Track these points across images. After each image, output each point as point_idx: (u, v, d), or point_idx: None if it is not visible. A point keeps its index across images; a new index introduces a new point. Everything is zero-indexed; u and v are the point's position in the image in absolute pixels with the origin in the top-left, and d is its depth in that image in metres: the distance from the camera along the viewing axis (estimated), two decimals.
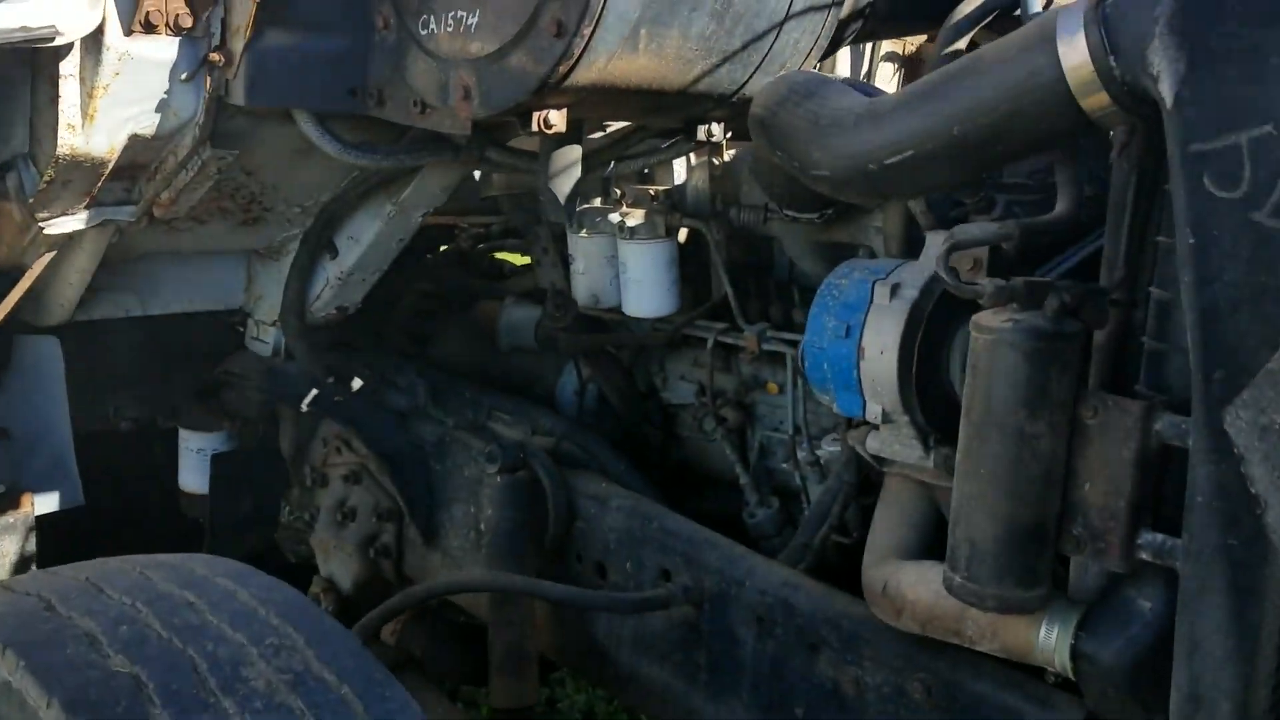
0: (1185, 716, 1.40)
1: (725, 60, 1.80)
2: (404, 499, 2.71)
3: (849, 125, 1.57)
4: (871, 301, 1.84)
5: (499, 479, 2.43)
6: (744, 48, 1.80)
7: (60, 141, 1.79)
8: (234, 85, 1.83)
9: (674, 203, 2.40)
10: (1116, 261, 1.52)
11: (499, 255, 3.34)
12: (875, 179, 1.56)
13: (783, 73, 1.82)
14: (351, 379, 2.75)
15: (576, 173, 1.90)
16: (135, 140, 1.89)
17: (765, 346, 2.32)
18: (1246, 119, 1.25)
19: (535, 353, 2.91)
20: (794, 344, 2.30)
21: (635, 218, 2.36)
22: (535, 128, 1.73)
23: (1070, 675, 1.57)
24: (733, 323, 2.40)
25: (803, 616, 2.08)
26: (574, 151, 1.85)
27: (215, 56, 1.81)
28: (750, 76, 1.86)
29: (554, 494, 2.44)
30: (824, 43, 1.93)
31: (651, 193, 2.39)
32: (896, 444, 1.91)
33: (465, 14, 1.69)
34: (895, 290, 1.82)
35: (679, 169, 2.39)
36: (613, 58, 1.65)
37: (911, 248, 2.06)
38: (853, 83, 1.73)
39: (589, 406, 2.79)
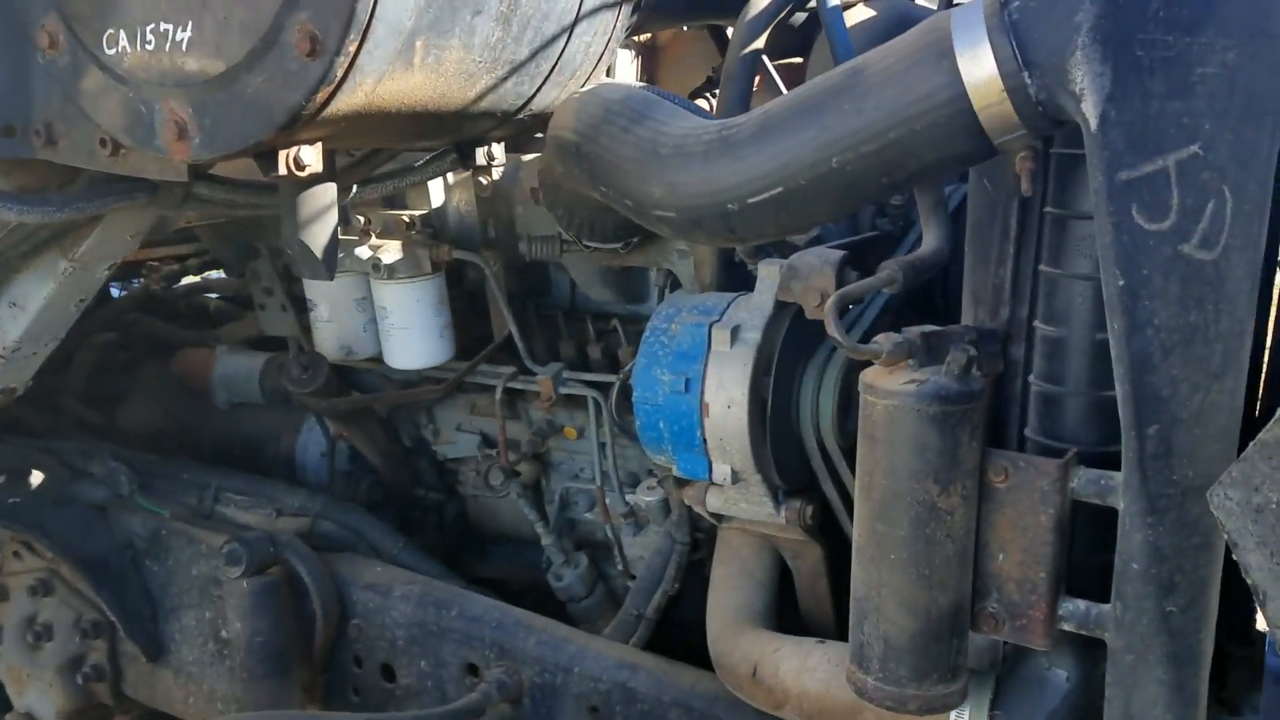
0: None
1: (513, 72, 1.46)
2: (114, 610, 2.20)
3: (698, 156, 1.29)
4: (710, 349, 1.58)
5: (244, 584, 1.99)
6: (532, 56, 1.47)
7: None
8: None
9: (435, 231, 2.03)
10: (1001, 296, 1.34)
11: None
12: (734, 220, 1.29)
13: (588, 85, 1.50)
14: (29, 473, 2.19)
15: (333, 218, 1.50)
16: None
17: (562, 390, 2.02)
18: (1173, 140, 1.09)
19: (262, 407, 2.45)
20: (595, 385, 2.02)
21: (391, 252, 1.98)
22: (283, 170, 1.32)
23: None
24: (520, 365, 2.07)
25: (646, 701, 1.83)
26: (328, 192, 1.46)
27: None
28: (539, 88, 1.54)
29: (319, 591, 2.04)
30: (615, 44, 1.64)
31: (406, 220, 2.01)
32: (743, 502, 1.67)
33: (172, 27, 1.25)
34: (735, 334, 1.57)
35: (435, 191, 2.02)
36: (383, 78, 1.27)
37: (727, 273, 1.82)
38: (681, 100, 1.45)
39: (342, 470, 2.38)
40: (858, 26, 1.92)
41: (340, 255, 1.99)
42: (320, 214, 1.48)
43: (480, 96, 1.47)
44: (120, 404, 2.62)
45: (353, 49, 1.20)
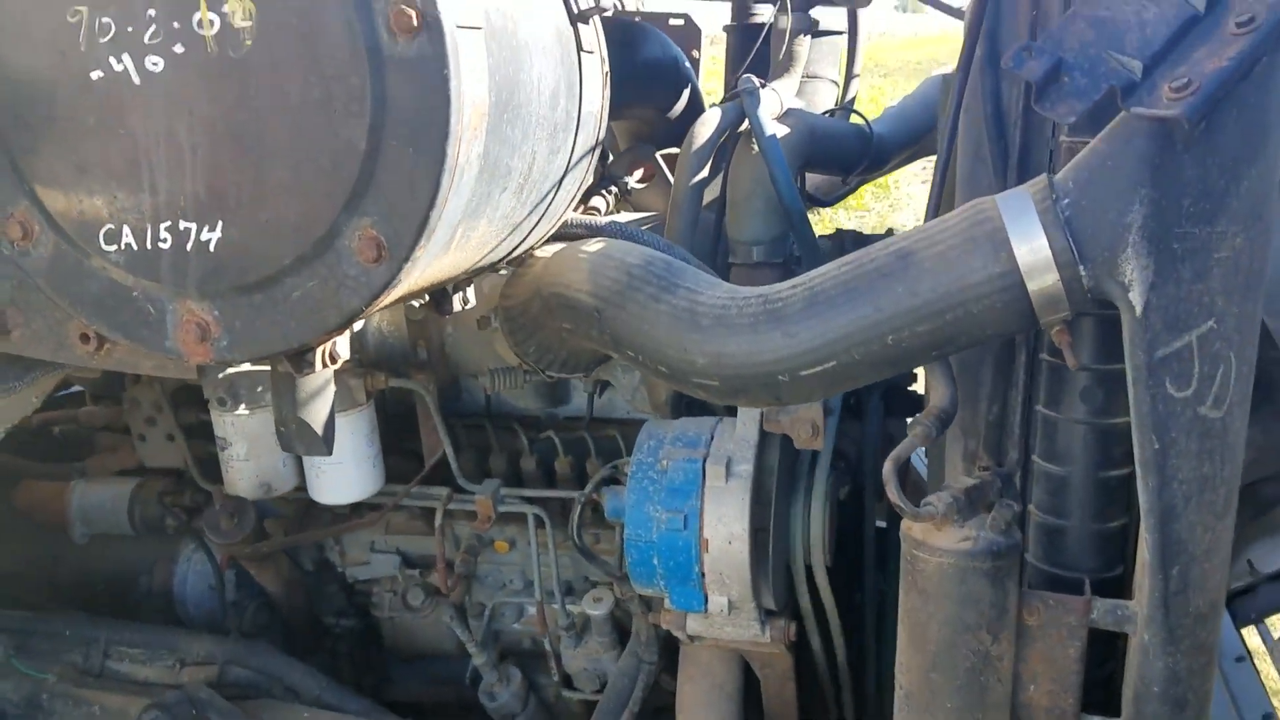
0: None
1: (514, 230, 1.41)
2: None
3: (744, 328, 1.31)
4: (705, 484, 1.60)
5: None
6: (530, 213, 1.43)
7: None
8: None
9: (360, 358, 1.93)
10: (1002, 436, 1.45)
11: None
12: (782, 389, 1.32)
13: (592, 250, 1.47)
14: None
15: (330, 392, 1.40)
16: None
17: (503, 508, 1.97)
18: (1196, 317, 1.22)
19: (129, 538, 2.23)
20: (533, 500, 1.99)
21: None
22: (319, 366, 1.22)
23: None
24: (452, 483, 2.00)
25: None
26: (323, 372, 1.35)
27: None
28: (526, 237, 1.50)
29: None
30: (586, 183, 1.61)
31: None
32: (729, 626, 1.71)
33: (195, 226, 1.12)
34: (729, 468, 1.60)
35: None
36: (428, 267, 1.21)
37: (679, 394, 1.85)
38: (699, 264, 1.45)
39: (234, 601, 2.20)
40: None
41: (259, 388, 1.86)
42: (320, 390, 1.38)
43: (487, 257, 1.42)
44: None
45: (419, 253, 1.13)
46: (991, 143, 1.40)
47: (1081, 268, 1.19)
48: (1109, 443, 1.40)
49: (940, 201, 1.44)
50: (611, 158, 2.51)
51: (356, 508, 2.04)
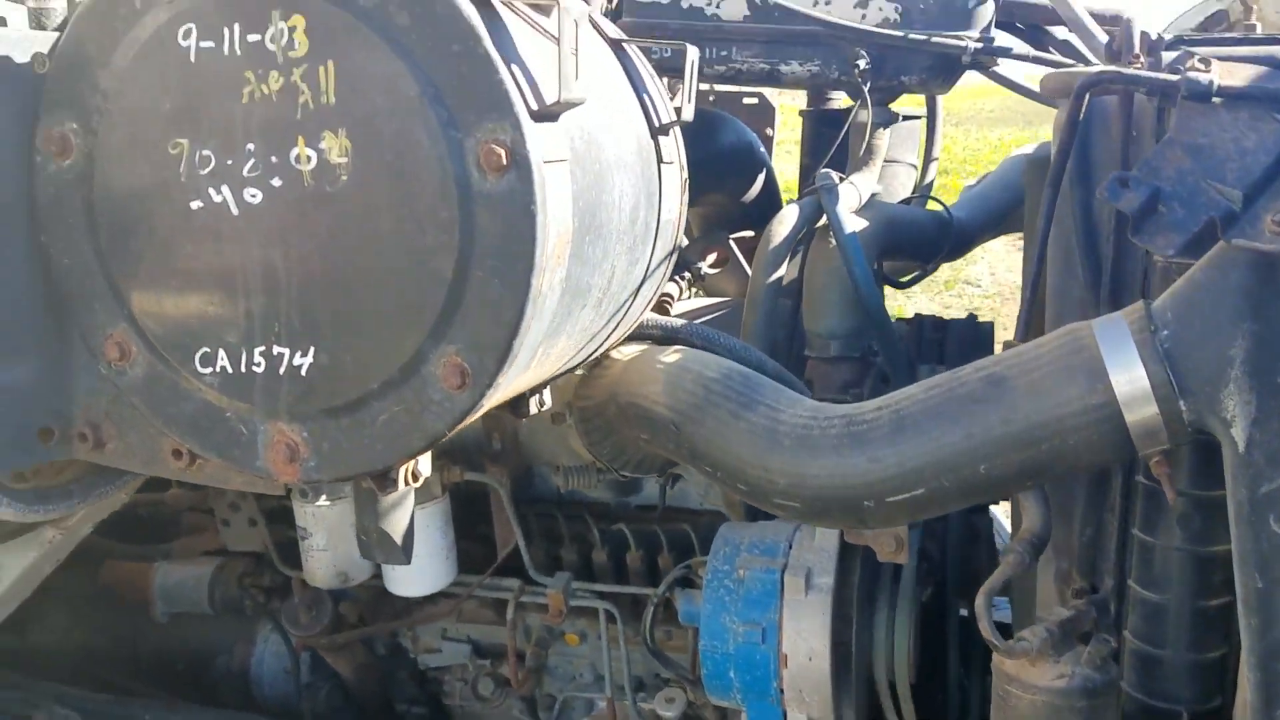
0: None
1: (591, 339, 1.42)
2: None
3: (827, 449, 1.29)
4: (783, 596, 1.57)
5: None
6: (608, 322, 1.43)
7: None
8: None
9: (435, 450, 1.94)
10: (1098, 559, 1.40)
11: None
12: (867, 514, 1.29)
13: (669, 361, 1.47)
14: None
15: (410, 503, 1.41)
16: None
17: (574, 602, 1.96)
18: None
19: (209, 618, 2.26)
20: (605, 595, 1.97)
21: None
22: (401, 485, 1.23)
23: None
24: (524, 576, 2.00)
25: None
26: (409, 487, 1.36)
27: None
28: (605, 341, 1.50)
29: None
30: (661, 288, 1.62)
31: None
32: None
33: (288, 351, 1.14)
34: (809, 580, 1.57)
35: None
36: (508, 387, 1.21)
37: None
38: (783, 374, 1.44)
39: (309, 684, 2.21)
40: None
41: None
42: (400, 502, 1.39)
43: (564, 368, 1.42)
44: (33, 621, 2.34)
45: (501, 379, 1.13)
46: (1083, 259, 1.38)
47: (1181, 401, 1.15)
48: (1208, 570, 1.35)
49: (1031, 317, 1.41)
50: (686, 242, 2.51)
51: (430, 596, 2.04)
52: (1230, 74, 1.20)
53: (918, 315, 2.46)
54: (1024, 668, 1.27)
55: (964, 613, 2.05)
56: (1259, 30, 1.67)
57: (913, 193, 2.57)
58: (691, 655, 1.87)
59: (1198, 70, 1.19)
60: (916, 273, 2.51)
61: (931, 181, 2.62)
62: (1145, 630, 1.38)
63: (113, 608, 2.32)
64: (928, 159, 2.61)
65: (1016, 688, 1.26)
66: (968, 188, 2.82)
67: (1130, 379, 1.16)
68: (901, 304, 6.41)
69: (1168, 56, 1.30)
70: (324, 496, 1.88)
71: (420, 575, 1.91)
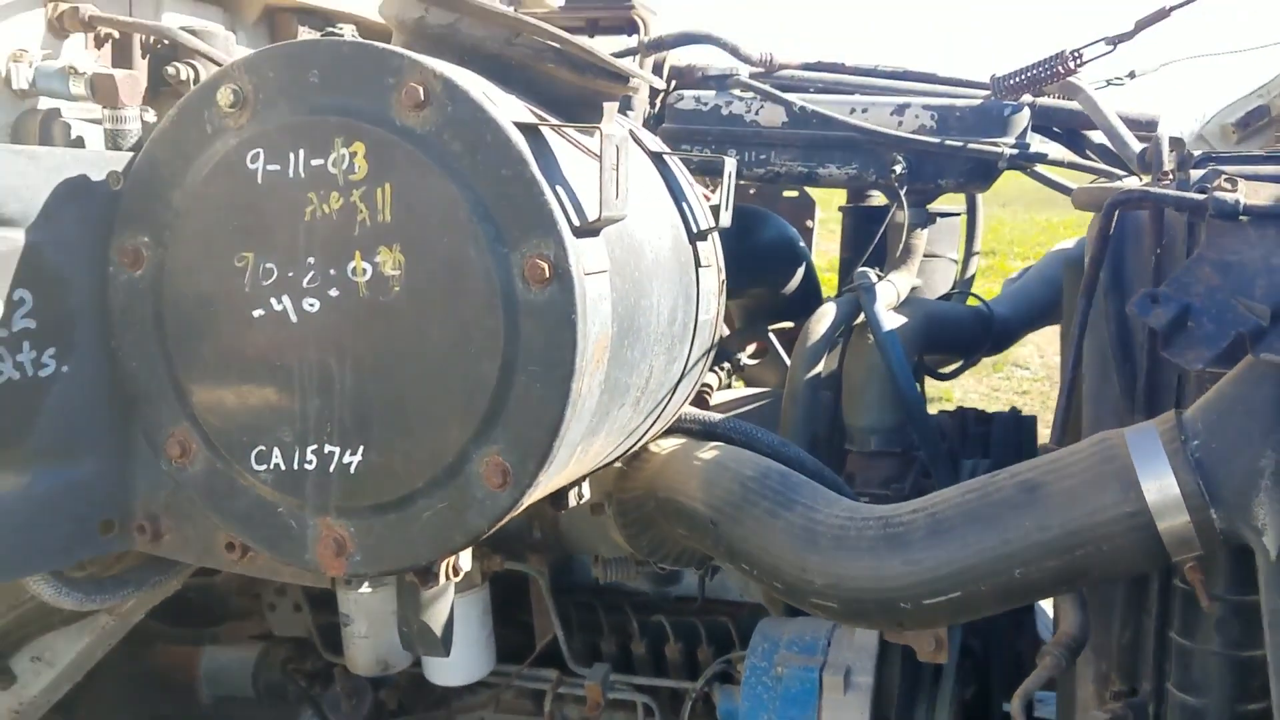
0: None
1: (629, 436, 1.46)
2: None
3: (863, 551, 1.31)
4: (822, 695, 1.58)
5: None
6: (646, 419, 1.47)
7: None
8: None
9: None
10: (1135, 662, 1.40)
11: None
12: (904, 616, 1.31)
13: (706, 458, 1.51)
14: None
15: (450, 596, 1.45)
16: None
17: (611, 695, 1.97)
18: None
19: (251, 701, 2.29)
20: (642, 689, 1.98)
21: None
22: (442, 580, 1.27)
23: None
24: (562, 666, 2.02)
25: None
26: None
27: None
28: (643, 437, 1.54)
29: None
30: (700, 383, 1.66)
31: None
32: None
33: (338, 450, 1.20)
34: (848, 679, 1.58)
35: None
36: (548, 484, 1.25)
37: None
38: (822, 471, 1.48)
39: None
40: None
41: None
42: (440, 594, 1.43)
43: (603, 464, 1.46)
44: (82, 703, 2.39)
45: (541, 477, 1.17)
46: (1118, 366, 1.40)
47: (1213, 510, 1.17)
48: (1247, 675, 1.34)
49: (1066, 421, 1.43)
50: (726, 332, 2.56)
51: (469, 686, 2.07)
52: (1256, 193, 1.24)
53: (960, 408, 2.48)
54: None
55: (1006, 708, 2.03)
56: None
57: (953, 287, 2.60)
58: None
59: (1224, 190, 1.22)
60: (958, 364, 2.54)
61: (972, 276, 2.66)
62: None
63: (159, 690, 2.36)
64: (968, 253, 2.65)
65: None
66: (1009, 281, 2.85)
67: (1161, 487, 1.18)
68: (949, 388, 6.39)
69: (1196, 174, 1.33)
70: (366, 584, 1.92)
71: (459, 665, 1.93)
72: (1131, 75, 2.11)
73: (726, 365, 2.39)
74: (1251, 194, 1.23)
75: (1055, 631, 1.37)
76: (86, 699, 2.39)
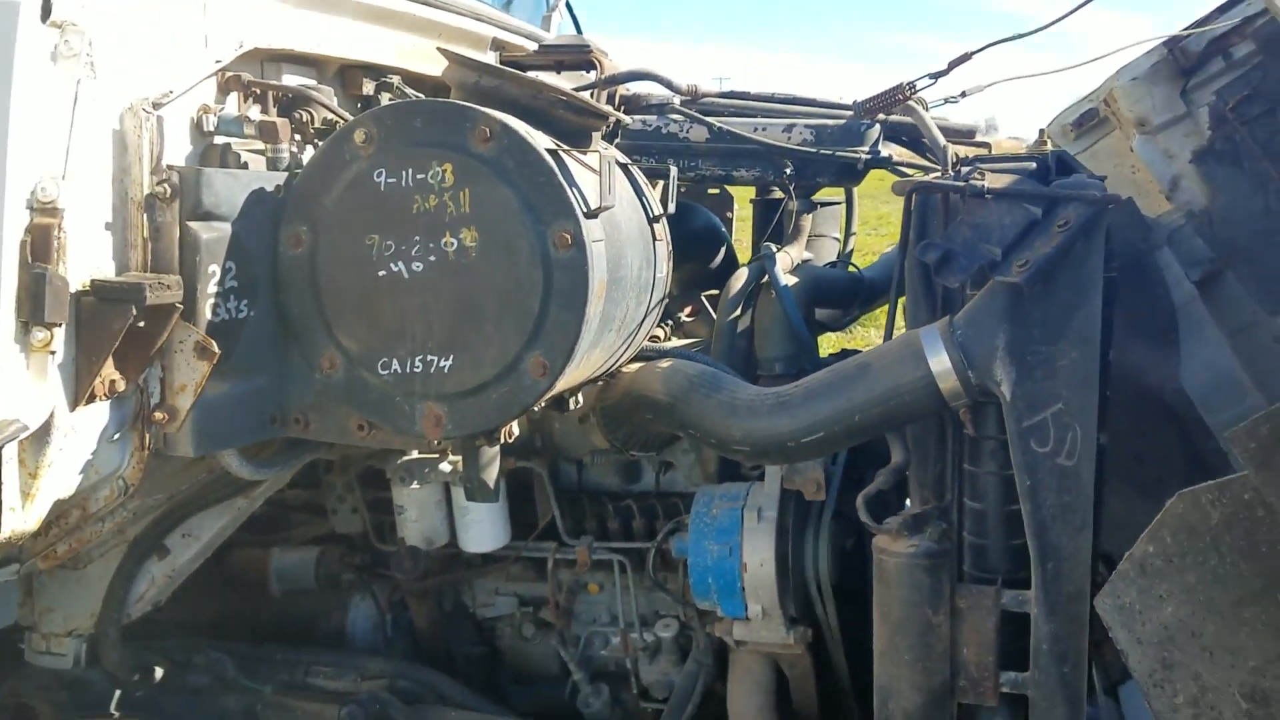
0: None
1: (613, 355, 2.19)
2: None
3: (765, 413, 2.07)
4: (743, 525, 2.34)
5: None
6: (623, 343, 2.21)
7: (3, 526, 1.68)
8: (177, 438, 1.85)
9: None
10: (943, 485, 2.17)
11: None
12: (791, 452, 2.07)
13: (665, 365, 2.26)
14: (151, 670, 2.63)
15: (498, 462, 2.17)
16: (56, 505, 1.81)
17: (595, 556, 2.70)
18: (1047, 401, 1.95)
19: (313, 592, 2.97)
20: (617, 550, 2.72)
21: None
22: (503, 439, 1.99)
23: None
24: (558, 539, 2.74)
25: None
26: (496, 445, 2.12)
27: (160, 415, 1.82)
28: (620, 357, 2.27)
29: None
30: (655, 325, 2.40)
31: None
32: (764, 631, 2.42)
33: (436, 358, 1.90)
34: (760, 514, 2.34)
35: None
36: (567, 378, 1.98)
37: (723, 466, 2.60)
38: (734, 375, 2.23)
39: (391, 636, 2.93)
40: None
41: (425, 471, 2.63)
42: (492, 460, 2.15)
43: (596, 373, 2.19)
44: (168, 602, 3.03)
45: (566, 370, 1.90)
46: (921, 292, 2.17)
47: (970, 372, 1.94)
48: (1011, 486, 2.10)
49: (891, 329, 2.20)
50: (669, 299, 3.31)
51: (486, 558, 2.78)
52: (997, 180, 2.02)
53: (844, 349, 3.26)
54: (890, 541, 2.03)
55: None
56: (1049, 145, 2.51)
57: (836, 259, 3.38)
58: (682, 587, 2.61)
59: (976, 179, 2.00)
60: (844, 319, 3.32)
61: (851, 250, 3.44)
62: (975, 528, 2.13)
63: (236, 588, 3.02)
64: (847, 233, 3.43)
65: (885, 555, 2.03)
66: (884, 254, 3.65)
67: (939, 361, 1.94)
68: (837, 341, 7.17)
69: (965, 170, 2.11)
70: (416, 481, 2.63)
71: (486, 535, 2.65)
72: (964, 94, 2.90)
73: (670, 323, 3.13)
74: (994, 181, 2.01)
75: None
76: (172, 599, 3.05)
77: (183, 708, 2.68)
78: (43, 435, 1.69)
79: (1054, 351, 1.95)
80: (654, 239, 2.23)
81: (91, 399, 1.74)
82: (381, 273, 1.92)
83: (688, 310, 3.20)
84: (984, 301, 1.95)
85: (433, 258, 1.89)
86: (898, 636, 2.03)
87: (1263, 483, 1.63)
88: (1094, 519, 2.00)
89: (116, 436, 1.82)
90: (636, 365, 2.39)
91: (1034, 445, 1.96)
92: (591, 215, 1.88)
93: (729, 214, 3.73)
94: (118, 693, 2.55)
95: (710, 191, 3.71)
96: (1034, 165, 2.12)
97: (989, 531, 2.11)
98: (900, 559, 2.01)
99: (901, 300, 2.17)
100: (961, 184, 2.00)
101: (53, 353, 1.65)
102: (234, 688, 2.73)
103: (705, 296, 3.28)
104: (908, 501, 2.25)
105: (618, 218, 2.04)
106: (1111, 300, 2.10)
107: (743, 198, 3.76)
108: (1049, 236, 1.94)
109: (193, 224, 1.80)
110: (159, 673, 2.63)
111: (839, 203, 3.33)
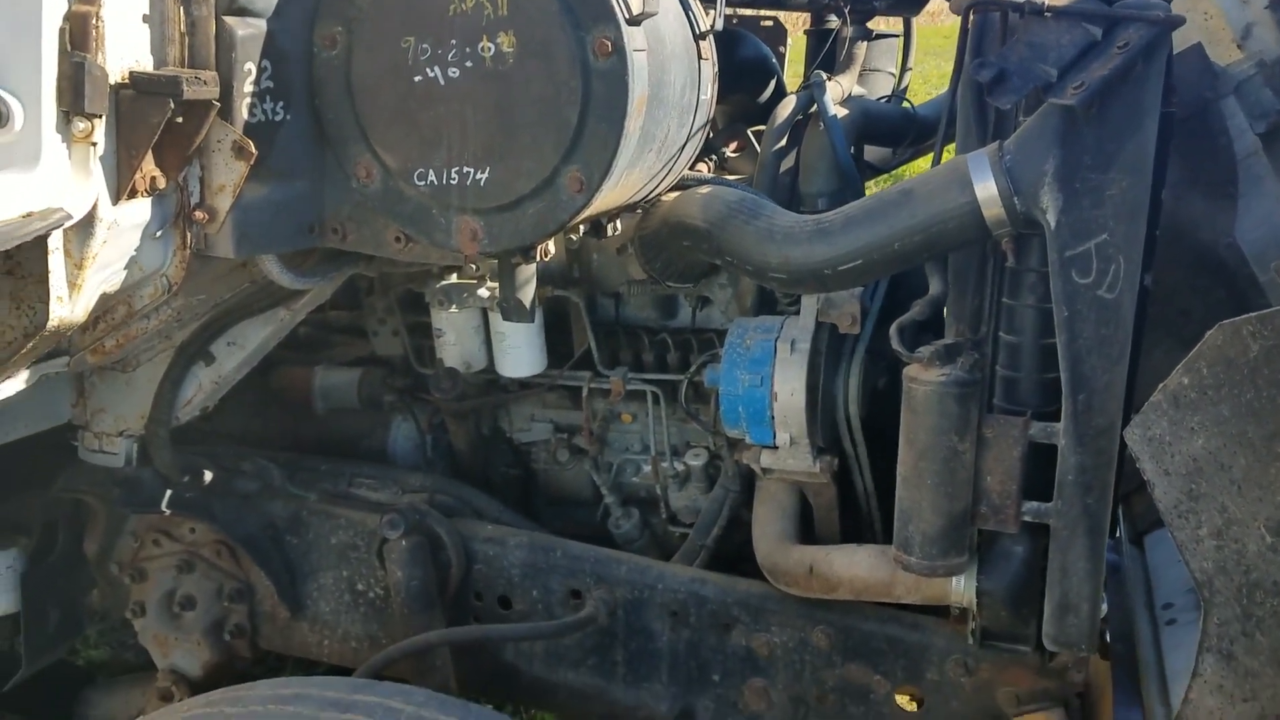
0: (1059, 620, 2.10)
1: (653, 178, 2.16)
2: (268, 576, 2.78)
3: (803, 239, 2.04)
4: (776, 356, 2.34)
5: (403, 543, 2.62)
6: (664, 167, 2.17)
7: (51, 315, 1.73)
8: (217, 239, 1.87)
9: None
10: (979, 317, 2.15)
11: None
12: (827, 280, 2.05)
13: (704, 192, 2.23)
14: (201, 473, 2.73)
15: (534, 283, 2.18)
16: (102, 299, 1.86)
17: (629, 387, 2.73)
18: (1094, 231, 1.91)
19: (355, 411, 3.04)
20: (651, 381, 2.75)
21: None
22: (538, 258, 2.00)
23: (974, 607, 2.23)
24: (594, 369, 2.77)
25: (714, 603, 2.57)
26: (532, 265, 2.13)
27: (200, 215, 1.84)
28: (660, 183, 2.25)
29: (453, 545, 2.68)
30: (698, 148, 2.36)
31: None
32: (790, 460, 2.44)
33: (473, 170, 1.89)
34: (793, 346, 2.34)
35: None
36: (605, 197, 1.96)
37: (761, 300, 2.60)
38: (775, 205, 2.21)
39: (431, 457, 3.01)
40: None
41: (464, 295, 2.65)
42: (528, 280, 2.15)
43: (635, 197, 2.17)
44: (216, 416, 3.13)
45: (604, 187, 1.88)
46: (974, 116, 2.10)
47: (1016, 199, 1.89)
48: (1048, 320, 2.08)
49: (940, 155, 2.15)
50: (713, 133, 3.25)
51: (522, 384, 2.82)
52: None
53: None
54: (921, 370, 2.02)
55: None
56: None
57: (890, 95, 3.29)
58: (713, 417, 2.63)
59: None
60: (893, 160, 3.25)
61: (906, 86, 3.34)
62: (1008, 361, 2.12)
63: (280, 405, 3.11)
64: (903, 69, 3.32)
65: (915, 384, 2.03)
66: (939, 95, 3.54)
67: (985, 186, 1.90)
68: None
69: None
70: (454, 305, 2.65)
71: (525, 359, 2.68)
72: None
73: (713, 158, 3.08)
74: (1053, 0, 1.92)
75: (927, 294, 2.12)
76: (221, 414, 3.14)
77: (230, 510, 2.80)
78: (87, 227, 1.72)
79: (1104, 180, 1.89)
80: (699, 57, 2.17)
81: (134, 194, 1.76)
82: (417, 78, 1.89)
83: (733, 146, 3.14)
84: (1035, 125, 1.89)
85: (469, 64, 1.86)
86: (922, 462, 2.05)
87: None
88: (1131, 357, 1.98)
89: (159, 234, 1.85)
90: (674, 195, 2.36)
91: (1075, 276, 1.93)
92: (634, 22, 1.83)
93: (781, 48, 3.62)
94: (168, 493, 2.66)
95: (763, 24, 3.60)
96: None
97: (1022, 365, 2.10)
98: (929, 387, 2.01)
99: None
100: (1021, 1, 1.92)
101: (94, 144, 1.66)
102: (280, 494, 2.84)
103: (751, 132, 3.22)
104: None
105: (661, 30, 1.98)
106: (1168, 136, 2.03)
107: (796, 32, 3.65)
108: (1107, 58, 1.87)
109: (228, 19, 1.78)
110: (208, 476, 2.73)
111: (896, 35, 3.21)
